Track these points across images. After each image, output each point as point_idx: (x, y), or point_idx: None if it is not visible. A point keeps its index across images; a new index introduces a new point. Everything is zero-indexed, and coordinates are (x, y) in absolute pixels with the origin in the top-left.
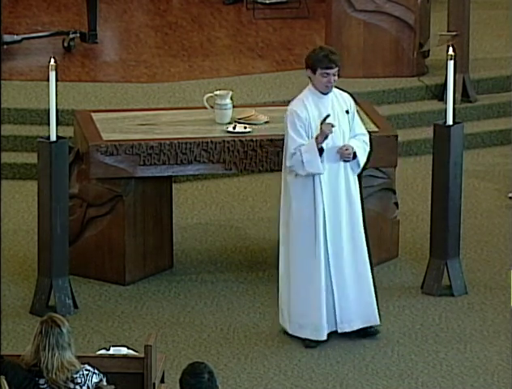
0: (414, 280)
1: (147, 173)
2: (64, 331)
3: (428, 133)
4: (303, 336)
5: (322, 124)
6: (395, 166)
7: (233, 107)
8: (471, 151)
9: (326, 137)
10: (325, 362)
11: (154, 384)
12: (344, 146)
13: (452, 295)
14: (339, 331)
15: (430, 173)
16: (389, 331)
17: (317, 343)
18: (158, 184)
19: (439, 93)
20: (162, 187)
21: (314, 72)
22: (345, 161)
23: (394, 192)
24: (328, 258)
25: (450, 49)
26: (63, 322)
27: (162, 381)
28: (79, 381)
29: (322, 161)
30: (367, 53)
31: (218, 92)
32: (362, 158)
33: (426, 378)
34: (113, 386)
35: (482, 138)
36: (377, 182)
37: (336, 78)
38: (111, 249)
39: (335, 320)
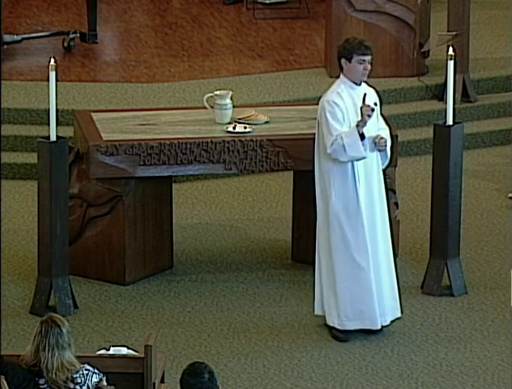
0: (414, 280)
1: (147, 173)
2: (64, 331)
3: (428, 133)
4: (355, 328)
5: (361, 107)
6: (395, 166)
7: (233, 107)
8: (471, 151)
9: (366, 121)
10: (325, 362)
11: (154, 384)
12: (379, 135)
13: (452, 295)
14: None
15: (430, 173)
16: (389, 331)
17: (347, 335)
18: (158, 184)
19: (439, 93)
20: (162, 187)
21: (350, 60)
22: (379, 151)
23: (394, 192)
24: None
25: (450, 49)
26: (63, 322)
27: (162, 381)
28: (79, 381)
29: (365, 148)
30: None
31: (218, 92)
32: (389, 151)
33: (426, 378)
34: (113, 387)
35: (482, 138)
36: None
37: (370, 66)
38: (111, 249)
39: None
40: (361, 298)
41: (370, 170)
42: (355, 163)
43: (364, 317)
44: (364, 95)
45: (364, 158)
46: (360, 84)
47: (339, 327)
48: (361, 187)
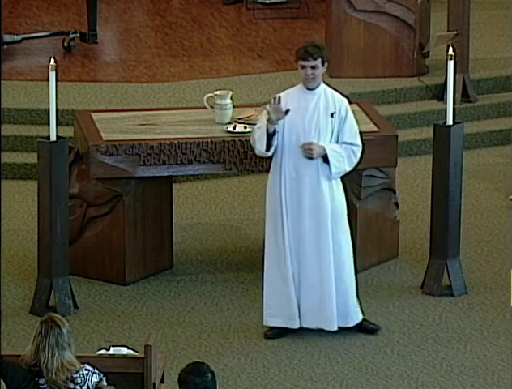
0: (414, 280)
1: (147, 173)
2: (64, 331)
3: (428, 133)
4: (275, 325)
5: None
6: (395, 166)
7: (233, 107)
8: (471, 151)
9: (272, 123)
10: (325, 362)
11: (154, 384)
12: (308, 142)
13: (452, 295)
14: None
15: (430, 173)
16: (389, 331)
17: (277, 335)
18: (158, 184)
19: (439, 93)
20: (162, 187)
21: (297, 64)
22: (309, 158)
23: (394, 192)
24: (291, 252)
25: (450, 49)
26: (63, 322)
27: (162, 381)
28: (79, 381)
29: (269, 146)
30: (367, 53)
31: (218, 92)
32: (336, 165)
33: (426, 378)
34: (113, 387)
35: (482, 138)
36: (377, 182)
37: (316, 72)
38: (111, 249)
39: (299, 314)
40: (282, 297)
41: (299, 179)
42: (282, 168)
43: (284, 316)
44: (278, 97)
45: (266, 156)
46: (313, 89)
47: (263, 323)
48: (287, 195)
